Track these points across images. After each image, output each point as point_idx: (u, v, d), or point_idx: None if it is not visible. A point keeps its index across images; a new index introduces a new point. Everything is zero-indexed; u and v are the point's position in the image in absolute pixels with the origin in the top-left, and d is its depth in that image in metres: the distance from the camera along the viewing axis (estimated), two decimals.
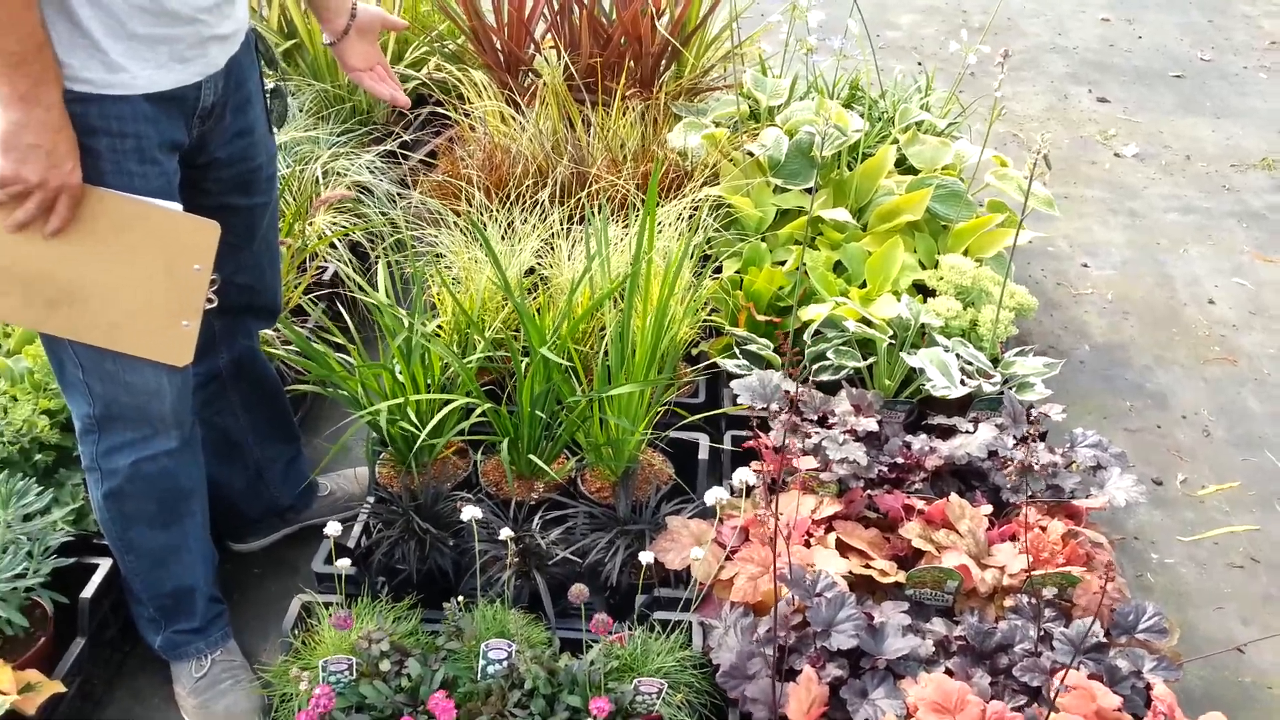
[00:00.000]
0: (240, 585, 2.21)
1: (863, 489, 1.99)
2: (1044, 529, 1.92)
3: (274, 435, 2.16)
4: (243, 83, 1.69)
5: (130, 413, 1.68)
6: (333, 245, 2.75)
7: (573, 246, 2.49)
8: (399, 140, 3.20)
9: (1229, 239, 3.59)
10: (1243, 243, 3.57)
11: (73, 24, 1.40)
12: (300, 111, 3.19)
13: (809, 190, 2.73)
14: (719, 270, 2.63)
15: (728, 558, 1.87)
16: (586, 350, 2.29)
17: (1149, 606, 1.78)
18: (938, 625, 1.77)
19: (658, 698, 1.60)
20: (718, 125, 2.98)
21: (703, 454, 2.16)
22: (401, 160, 3.16)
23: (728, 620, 1.75)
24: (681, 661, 1.71)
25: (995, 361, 2.38)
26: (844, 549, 1.90)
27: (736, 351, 2.37)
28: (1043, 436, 2.23)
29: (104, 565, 1.92)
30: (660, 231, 2.50)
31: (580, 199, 2.73)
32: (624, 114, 2.95)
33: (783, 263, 2.60)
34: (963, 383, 2.23)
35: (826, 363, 2.30)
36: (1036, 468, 1.98)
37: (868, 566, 1.85)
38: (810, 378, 2.27)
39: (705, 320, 2.48)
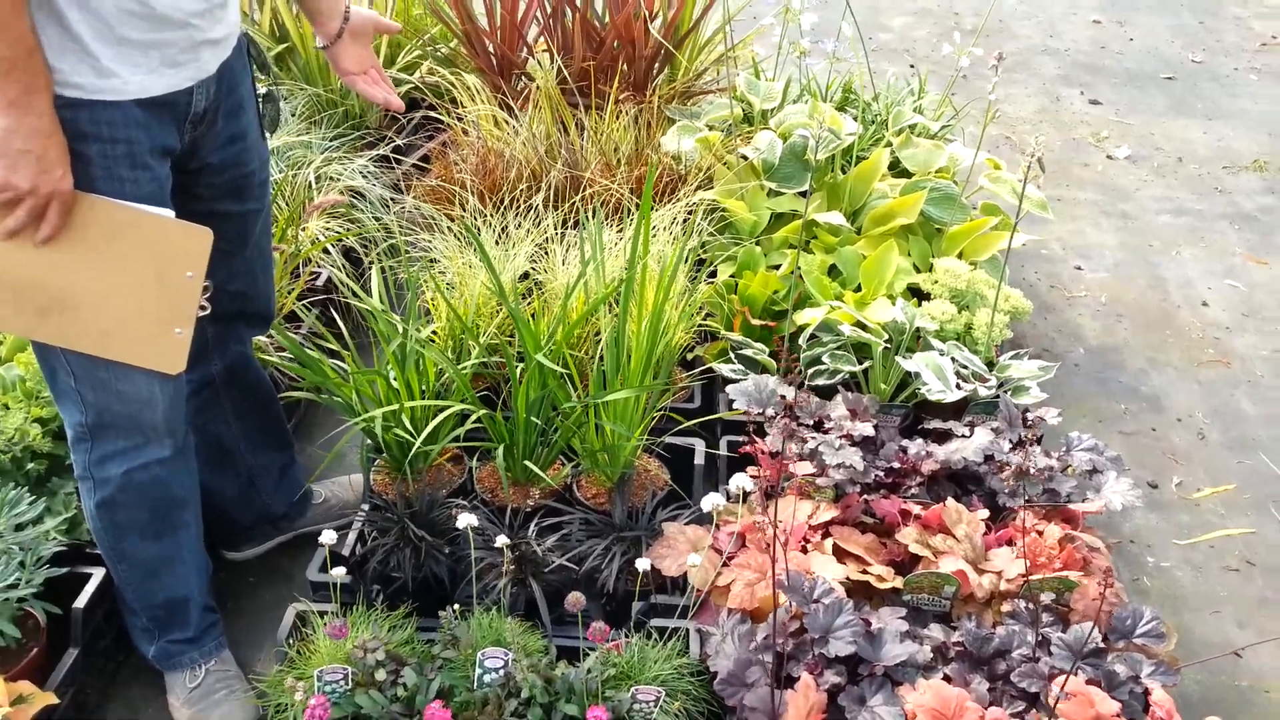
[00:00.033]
0: (234, 594, 2.20)
1: (859, 494, 1.99)
2: (1040, 533, 1.92)
3: (267, 443, 2.14)
4: (235, 88, 1.68)
5: (123, 421, 1.66)
6: (326, 251, 2.74)
7: (567, 251, 2.48)
8: (392, 145, 3.19)
9: (1221, 241, 3.59)
10: (1235, 244, 3.58)
11: (62, 29, 1.39)
12: (292, 116, 3.18)
13: (803, 194, 2.72)
14: (713, 274, 2.62)
15: (725, 564, 1.87)
16: (581, 355, 2.28)
17: (1146, 611, 1.78)
18: (935, 631, 1.77)
19: (655, 706, 1.59)
20: (711, 129, 2.98)
21: (698, 459, 2.15)
22: (395, 165, 3.15)
23: (725, 627, 1.75)
24: (679, 669, 1.70)
25: (990, 365, 2.38)
26: (841, 554, 1.89)
27: (732, 356, 2.36)
28: (1038, 440, 2.22)
29: (97, 575, 1.91)
30: (654, 236, 2.50)
31: (574, 203, 2.72)
32: (617, 118, 2.95)
33: (777, 267, 2.60)
34: (958, 387, 2.23)
35: (822, 367, 2.30)
36: (1033, 472, 1.98)
37: (865, 572, 1.84)
38: (805, 382, 2.26)
39: (700, 325, 2.47)
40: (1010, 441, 2.12)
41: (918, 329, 2.36)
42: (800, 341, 2.35)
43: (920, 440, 2.12)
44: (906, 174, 2.89)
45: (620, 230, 2.54)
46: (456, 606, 1.74)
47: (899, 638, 1.68)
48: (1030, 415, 2.19)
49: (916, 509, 1.96)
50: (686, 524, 1.97)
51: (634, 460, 2.07)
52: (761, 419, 2.10)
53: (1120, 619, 1.78)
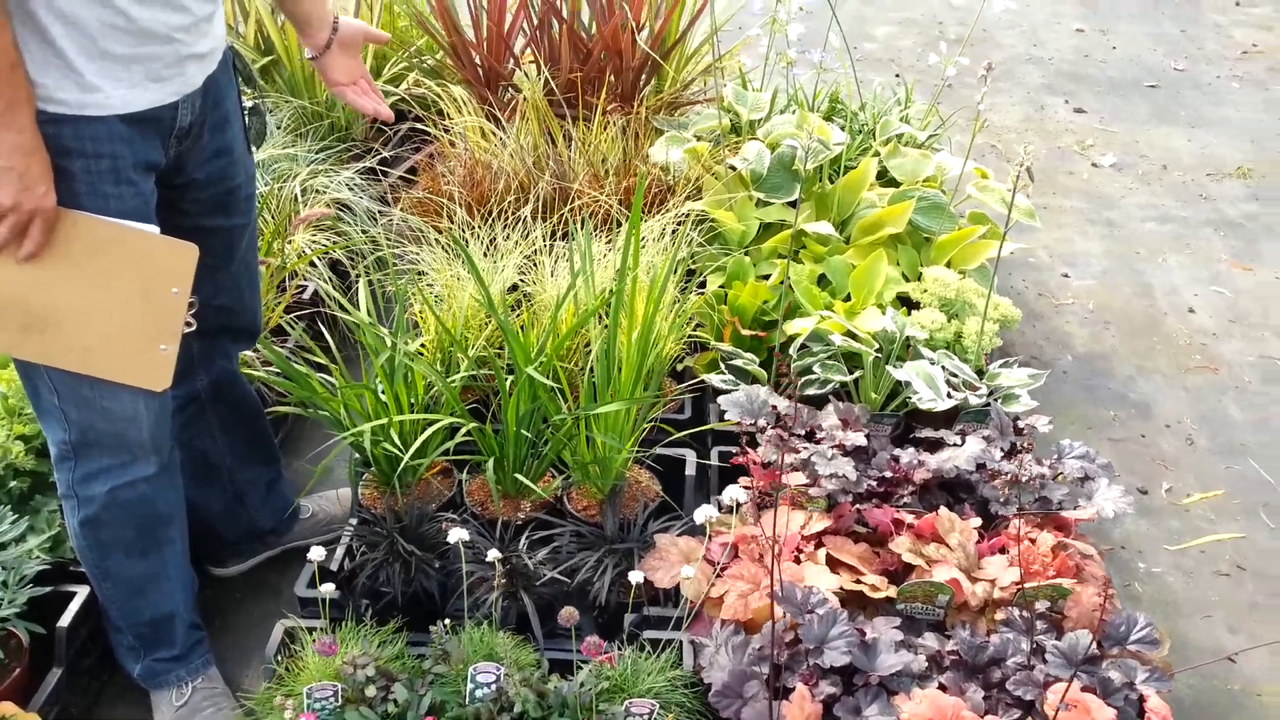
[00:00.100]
0: (221, 610, 2.17)
1: (851, 503, 1.98)
2: (1033, 541, 1.92)
3: (254, 458, 2.12)
4: (220, 101, 1.66)
5: (107, 439, 1.65)
6: (312, 264, 2.73)
7: (556, 263, 2.47)
8: (378, 157, 3.18)
9: (1206, 248, 3.62)
10: (1220, 251, 3.60)
11: (45, 43, 1.38)
12: (278, 128, 3.16)
13: (792, 203, 2.73)
14: (703, 285, 2.62)
15: (717, 575, 1.86)
16: (572, 367, 2.27)
17: (1140, 617, 1.78)
18: (930, 640, 1.76)
19: (649, 719, 1.58)
20: (699, 139, 2.98)
21: (690, 470, 2.14)
22: (381, 177, 3.13)
23: (719, 638, 1.74)
24: (672, 681, 1.69)
25: (980, 373, 2.38)
26: (834, 564, 1.88)
27: (722, 367, 2.36)
28: (1030, 449, 2.22)
29: (81, 593, 1.89)
30: (644, 247, 2.49)
31: (563, 215, 2.71)
32: (605, 129, 2.94)
33: (767, 277, 2.60)
34: (949, 395, 2.23)
35: (812, 377, 2.30)
36: (1026, 480, 1.98)
37: (858, 582, 1.83)
38: (796, 392, 2.26)
39: (690, 335, 2.47)
40: (1001, 450, 2.12)
41: (908, 338, 2.36)
42: (791, 351, 2.34)
43: (912, 449, 2.11)
44: (894, 183, 2.90)
45: (609, 241, 2.53)
46: (447, 621, 1.72)
47: (894, 647, 1.67)
48: (1021, 423, 2.19)
49: (909, 518, 1.96)
50: (679, 535, 1.97)
51: (625, 472, 2.06)
52: (753, 429, 2.09)
53: (1114, 626, 1.78)
